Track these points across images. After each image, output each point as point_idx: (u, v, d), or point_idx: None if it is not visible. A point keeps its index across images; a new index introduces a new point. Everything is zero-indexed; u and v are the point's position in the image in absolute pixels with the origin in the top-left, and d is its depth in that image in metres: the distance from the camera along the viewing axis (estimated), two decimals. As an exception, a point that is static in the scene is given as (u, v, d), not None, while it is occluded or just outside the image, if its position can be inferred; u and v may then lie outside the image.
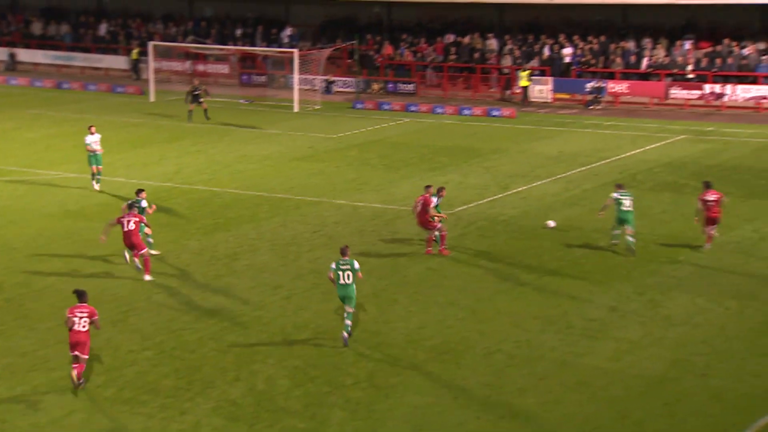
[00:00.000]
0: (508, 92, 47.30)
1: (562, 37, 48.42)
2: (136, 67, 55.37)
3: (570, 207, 27.72)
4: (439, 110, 44.57)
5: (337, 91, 50.67)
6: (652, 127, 40.09)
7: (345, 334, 18.28)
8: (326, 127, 41.01)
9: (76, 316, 16.43)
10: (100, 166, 29.21)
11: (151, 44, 49.75)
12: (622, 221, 23.22)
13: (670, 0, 44.97)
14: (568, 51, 47.61)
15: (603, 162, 33.45)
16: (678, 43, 45.97)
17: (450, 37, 51.28)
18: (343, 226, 25.91)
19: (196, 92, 41.76)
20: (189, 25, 57.98)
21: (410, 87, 49.60)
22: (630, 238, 23.14)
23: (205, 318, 19.69)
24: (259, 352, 18.11)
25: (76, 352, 16.40)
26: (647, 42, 46.78)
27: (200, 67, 53.82)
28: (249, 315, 19.86)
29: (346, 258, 18.44)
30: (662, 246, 23.90)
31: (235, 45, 53.95)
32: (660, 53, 45.84)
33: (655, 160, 33.53)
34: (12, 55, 58.64)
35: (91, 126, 29.67)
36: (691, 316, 19.45)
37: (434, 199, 23.32)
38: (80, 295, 16.76)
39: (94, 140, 29.07)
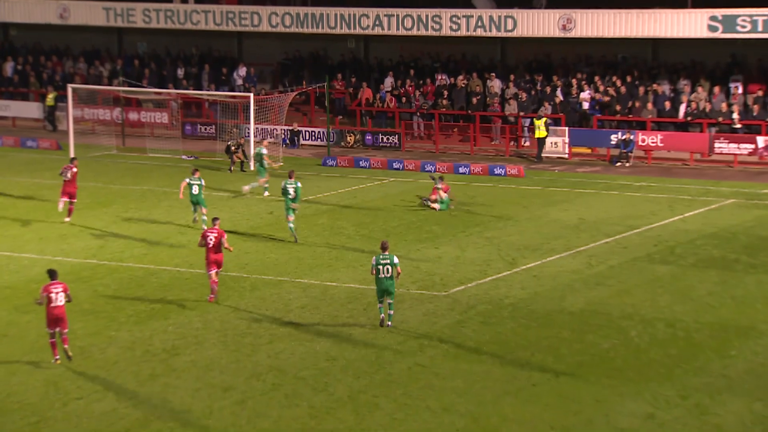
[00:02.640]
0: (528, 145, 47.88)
1: (578, 78, 49.21)
2: (52, 116, 55.65)
3: (594, 288, 27.88)
4: (428, 168, 44.95)
5: (303, 145, 51.07)
6: (694, 189, 40.56)
7: (385, 319, 24.26)
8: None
9: (52, 293, 22.18)
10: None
11: (70, 87, 50.08)
12: (194, 203, 33.40)
13: (712, 34, 45.91)
14: (586, 95, 48.37)
15: (633, 232, 33.77)
16: (721, 86, 46.80)
17: (442, 78, 51.99)
18: (311, 312, 25.91)
19: (237, 148, 44.54)
20: (118, 63, 58.52)
21: (393, 139, 50.10)
22: (204, 217, 32.78)
23: (136, 430, 19.53)
24: (205, 471, 17.98)
25: (58, 328, 22.16)
26: (684, 84, 47.60)
27: (133, 116, 54.18)
28: (193, 425, 19.71)
29: (386, 253, 24.07)
30: (709, 337, 24.03)
31: (176, 88, 54.41)
32: (701, 98, 46.63)
33: (697, 230, 33.88)
34: None
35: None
36: (748, 427, 19.48)
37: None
38: (52, 274, 22.49)
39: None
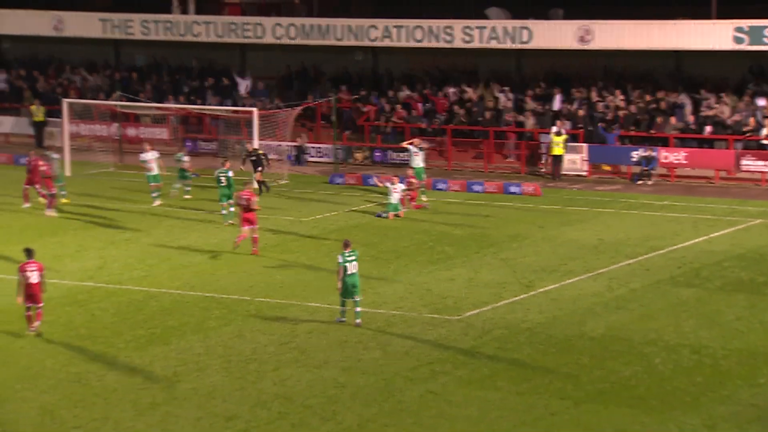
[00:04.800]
0: (544, 163, 47.57)
1: (596, 92, 49.27)
2: (40, 132, 55.49)
3: (615, 312, 27.88)
4: (441, 186, 45.03)
5: (310, 162, 51.15)
6: (720, 209, 40.55)
7: (359, 320, 26.38)
8: (296, 207, 41.30)
9: (27, 271, 25.51)
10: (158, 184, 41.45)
11: (65, 102, 50.22)
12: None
13: (738, 46, 45.93)
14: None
15: (656, 253, 33.76)
16: (748, 98, 46.82)
17: (454, 92, 52.09)
18: (319, 337, 25.95)
19: (254, 157, 43.51)
20: (115, 75, 58.72)
21: (404, 156, 50.11)
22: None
23: (136, 460, 19.60)
24: (208, 504, 18.01)
25: (32, 303, 25.45)
26: (710, 98, 47.64)
27: (131, 131, 54.32)
28: (195, 455, 19.78)
29: (350, 250, 26.51)
30: (737, 364, 23.99)
31: (176, 102, 54.49)
32: (726, 112, 46.66)
33: (724, 252, 33.86)
34: None
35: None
36: (778, 456, 19.51)
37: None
38: (29, 252, 25.94)
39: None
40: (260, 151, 44.06)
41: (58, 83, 59.17)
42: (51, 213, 39.34)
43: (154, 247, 34.97)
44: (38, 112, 55.48)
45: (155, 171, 41.86)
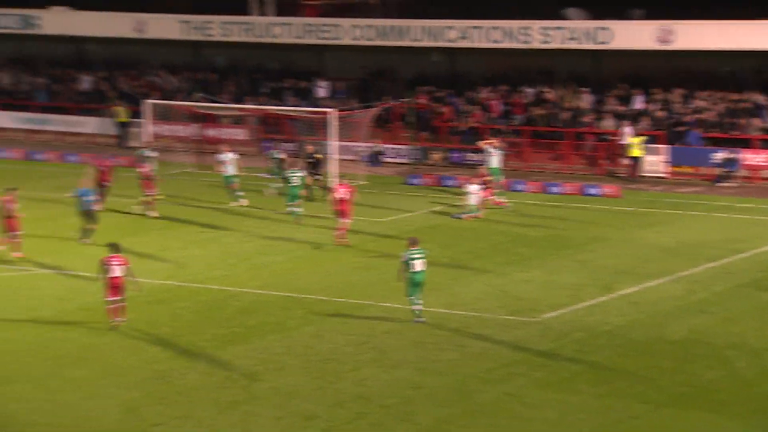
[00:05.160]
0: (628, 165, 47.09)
1: (678, 93, 48.81)
2: (124, 132, 56.35)
3: (696, 315, 27.63)
4: (518, 187, 44.91)
5: (387, 162, 51.28)
6: (803, 211, 40.08)
7: (419, 307, 26.87)
8: (373, 208, 41.44)
9: (109, 264, 26.24)
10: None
11: (147, 103, 50.89)
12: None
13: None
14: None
15: (738, 256, 33.38)
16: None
17: (531, 92, 51.91)
18: (396, 337, 26.04)
19: (313, 160, 43.45)
20: (195, 77, 59.38)
21: (481, 157, 50.06)
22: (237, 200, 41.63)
23: (217, 457, 19.81)
24: (288, 502, 18.17)
25: (117, 296, 26.06)
26: (792, 99, 47.03)
27: (211, 132, 54.89)
28: (275, 454, 19.95)
29: (417, 248, 26.86)
30: (822, 368, 23.73)
31: (256, 103, 54.94)
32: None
33: (807, 254, 33.43)
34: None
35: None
36: None
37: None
38: (113, 247, 26.60)
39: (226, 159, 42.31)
40: (319, 155, 44.14)
41: (139, 84, 60.00)
42: (153, 213, 39.78)
43: (234, 247, 35.34)
44: (122, 112, 56.37)
45: (231, 172, 42.26)
